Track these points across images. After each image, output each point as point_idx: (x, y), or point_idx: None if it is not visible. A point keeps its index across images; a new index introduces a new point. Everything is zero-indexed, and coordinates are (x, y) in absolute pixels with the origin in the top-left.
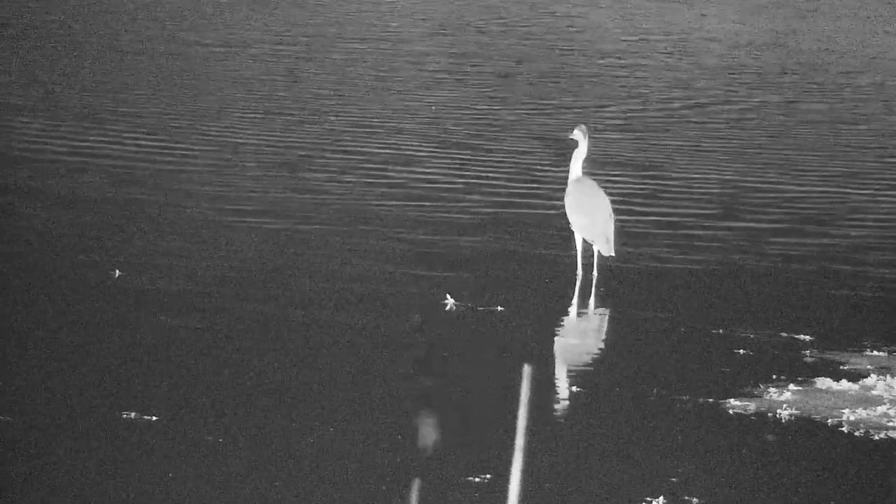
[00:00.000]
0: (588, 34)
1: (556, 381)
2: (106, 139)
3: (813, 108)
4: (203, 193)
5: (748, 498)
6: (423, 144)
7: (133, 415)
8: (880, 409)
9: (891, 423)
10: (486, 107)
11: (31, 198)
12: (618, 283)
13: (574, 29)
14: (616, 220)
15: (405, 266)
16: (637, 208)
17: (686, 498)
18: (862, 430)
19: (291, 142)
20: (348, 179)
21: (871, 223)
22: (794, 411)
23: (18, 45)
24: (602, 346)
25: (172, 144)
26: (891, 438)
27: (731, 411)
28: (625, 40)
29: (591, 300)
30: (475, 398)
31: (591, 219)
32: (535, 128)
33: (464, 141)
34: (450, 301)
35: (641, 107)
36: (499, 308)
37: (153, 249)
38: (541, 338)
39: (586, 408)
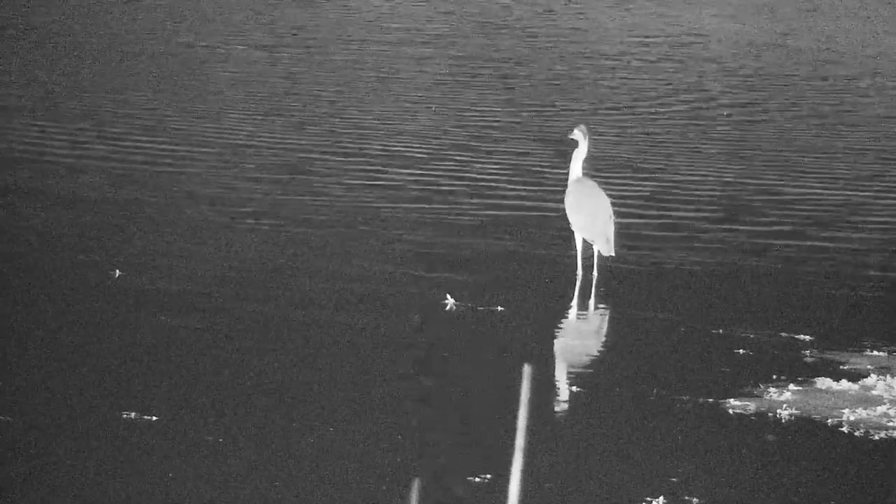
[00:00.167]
0: (589, 35)
1: (556, 381)
2: (106, 139)
3: (814, 109)
4: (203, 194)
5: (748, 498)
6: (424, 145)
7: (133, 415)
8: (880, 409)
9: (891, 423)
10: (486, 108)
11: (31, 198)
12: (618, 283)
13: (575, 30)
14: (616, 221)
15: (405, 266)
16: (637, 209)
17: (686, 498)
18: (862, 430)
19: (291, 143)
20: (348, 180)
21: (871, 224)
22: (794, 411)
23: (18, 45)
24: (602, 346)
25: (172, 145)
26: (891, 438)
27: (731, 411)
28: (626, 41)
29: (591, 300)
30: (475, 398)
31: (591, 219)
32: (536, 129)
33: (464, 142)
34: (450, 301)
35: (642, 108)
36: (499, 308)
37: (153, 249)
38: (541, 338)
39: (586, 408)
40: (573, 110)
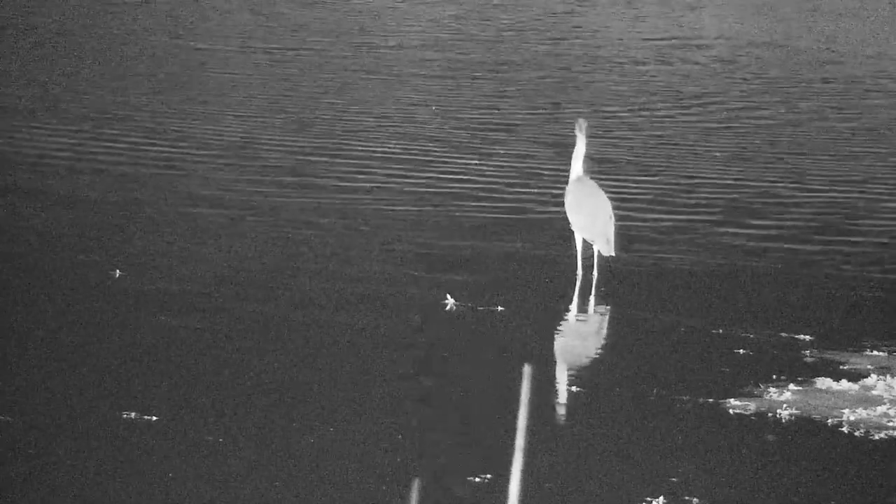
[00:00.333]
0: (590, 36)
1: (556, 381)
2: (106, 140)
3: (815, 111)
4: (203, 194)
5: (748, 498)
6: (424, 146)
7: (133, 415)
8: (880, 409)
9: (891, 423)
10: (486, 108)
11: (31, 198)
12: (618, 283)
13: (576, 30)
14: (616, 221)
15: (405, 266)
16: (638, 209)
17: (686, 498)
18: (862, 430)
19: (291, 143)
20: (348, 181)
21: (871, 224)
22: (794, 411)
23: (18, 45)
24: (602, 346)
25: (172, 145)
26: (891, 438)
27: (731, 411)
28: (627, 42)
29: (591, 300)
30: (475, 398)
31: (591, 219)
32: (536, 130)
33: (464, 142)
34: (450, 301)
35: (643, 108)
36: (499, 308)
37: (153, 250)
38: (541, 338)
39: (586, 408)
40: (574, 111)
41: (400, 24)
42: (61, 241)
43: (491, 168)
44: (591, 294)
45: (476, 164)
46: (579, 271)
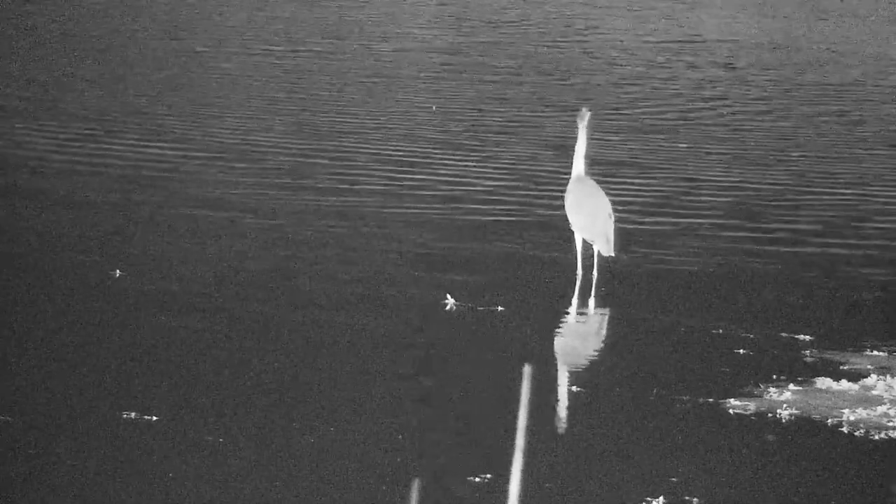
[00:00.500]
0: (591, 36)
1: (556, 381)
2: (106, 140)
3: (816, 111)
4: (203, 194)
5: (748, 498)
6: (424, 146)
7: (133, 415)
8: (880, 409)
9: (891, 423)
10: (487, 109)
11: (32, 198)
12: (618, 284)
13: (578, 30)
14: (616, 221)
15: (405, 266)
16: (638, 209)
17: (686, 498)
18: (862, 430)
19: (291, 143)
20: (348, 181)
21: (872, 225)
22: (794, 411)
23: (18, 46)
24: (602, 346)
25: (172, 145)
26: (891, 438)
27: (731, 411)
28: (629, 42)
29: (591, 300)
30: (475, 398)
31: (591, 219)
32: (537, 130)
33: (465, 143)
34: (450, 301)
35: (644, 109)
36: (499, 308)
37: (153, 250)
38: (541, 338)
39: (586, 408)
40: (575, 111)
41: (400, 24)
42: (61, 241)
43: (491, 169)
44: (591, 294)
45: (475, 166)
46: (579, 271)
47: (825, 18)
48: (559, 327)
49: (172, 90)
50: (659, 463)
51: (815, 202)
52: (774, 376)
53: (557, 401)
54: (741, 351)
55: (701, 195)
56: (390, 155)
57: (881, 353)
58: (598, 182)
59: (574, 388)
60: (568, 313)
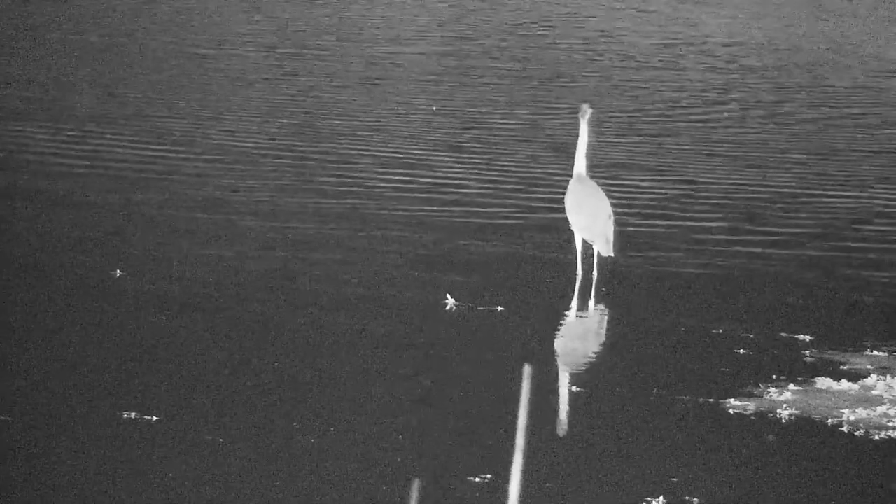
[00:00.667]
0: (592, 36)
1: (556, 381)
2: (106, 140)
3: (816, 112)
4: (203, 194)
5: (748, 498)
6: (424, 147)
7: (133, 415)
8: (880, 409)
9: (891, 423)
10: (487, 109)
11: (32, 199)
12: (618, 284)
13: (581, 31)
14: (617, 221)
15: (405, 267)
16: (639, 210)
17: (686, 498)
18: (862, 430)
19: (291, 143)
20: (348, 181)
21: (872, 227)
22: (794, 411)
23: (18, 46)
24: (602, 346)
25: (172, 146)
26: (891, 438)
27: (731, 411)
28: (633, 44)
29: (591, 300)
30: (475, 398)
31: (591, 219)
32: (538, 131)
33: (465, 143)
34: (450, 301)
35: (647, 110)
36: (499, 308)
37: (153, 250)
38: (541, 338)
39: (586, 408)
40: (574, 112)
41: (400, 25)
42: (61, 242)
43: (491, 170)
44: (591, 294)
45: (475, 167)
46: (579, 271)
47: (825, 19)
48: (559, 327)
49: (173, 91)
50: (659, 463)
51: (816, 203)
52: (774, 376)
53: (557, 401)
54: (741, 351)
55: (701, 196)
56: (390, 155)
57: (881, 353)
58: (599, 183)
59: (574, 388)
60: (568, 313)
